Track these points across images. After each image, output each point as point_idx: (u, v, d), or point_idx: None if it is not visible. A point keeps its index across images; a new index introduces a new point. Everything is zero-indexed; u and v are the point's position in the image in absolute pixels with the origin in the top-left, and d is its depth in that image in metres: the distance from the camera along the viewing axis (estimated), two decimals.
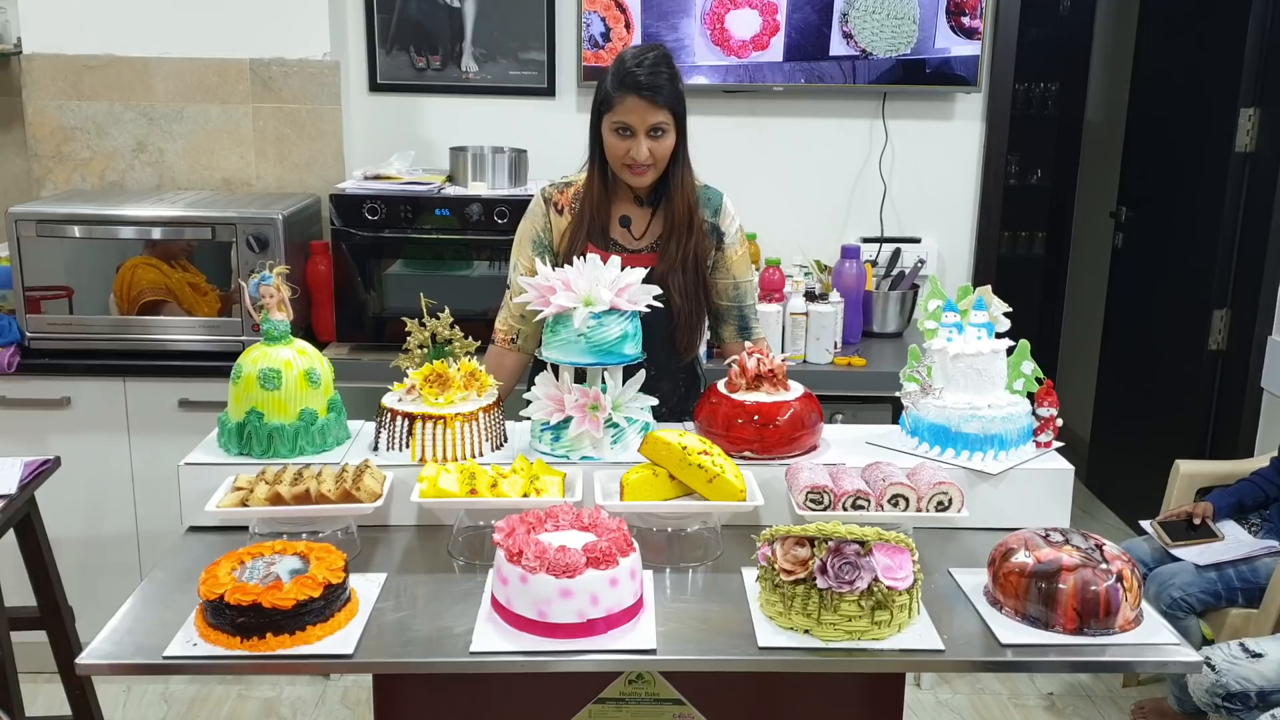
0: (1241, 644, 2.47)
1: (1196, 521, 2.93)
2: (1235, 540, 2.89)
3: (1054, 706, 3.16)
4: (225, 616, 1.58)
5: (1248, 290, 3.66)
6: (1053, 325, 5.59)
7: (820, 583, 1.60)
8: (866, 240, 3.63)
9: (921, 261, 3.53)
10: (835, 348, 3.19)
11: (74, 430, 3.06)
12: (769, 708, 1.93)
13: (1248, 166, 3.69)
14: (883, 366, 3.17)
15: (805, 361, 3.16)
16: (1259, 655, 2.43)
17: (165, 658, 1.57)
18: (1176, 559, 2.87)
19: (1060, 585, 1.66)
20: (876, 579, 1.60)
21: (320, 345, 3.19)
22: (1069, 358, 5.46)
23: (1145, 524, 3.03)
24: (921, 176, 3.66)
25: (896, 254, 3.59)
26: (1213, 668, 2.45)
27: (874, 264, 3.56)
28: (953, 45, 3.47)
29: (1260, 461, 3.11)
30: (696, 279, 2.38)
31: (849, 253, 3.40)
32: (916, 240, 3.66)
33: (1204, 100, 3.91)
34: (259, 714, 3.06)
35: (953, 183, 3.68)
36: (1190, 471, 3.15)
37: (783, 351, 3.16)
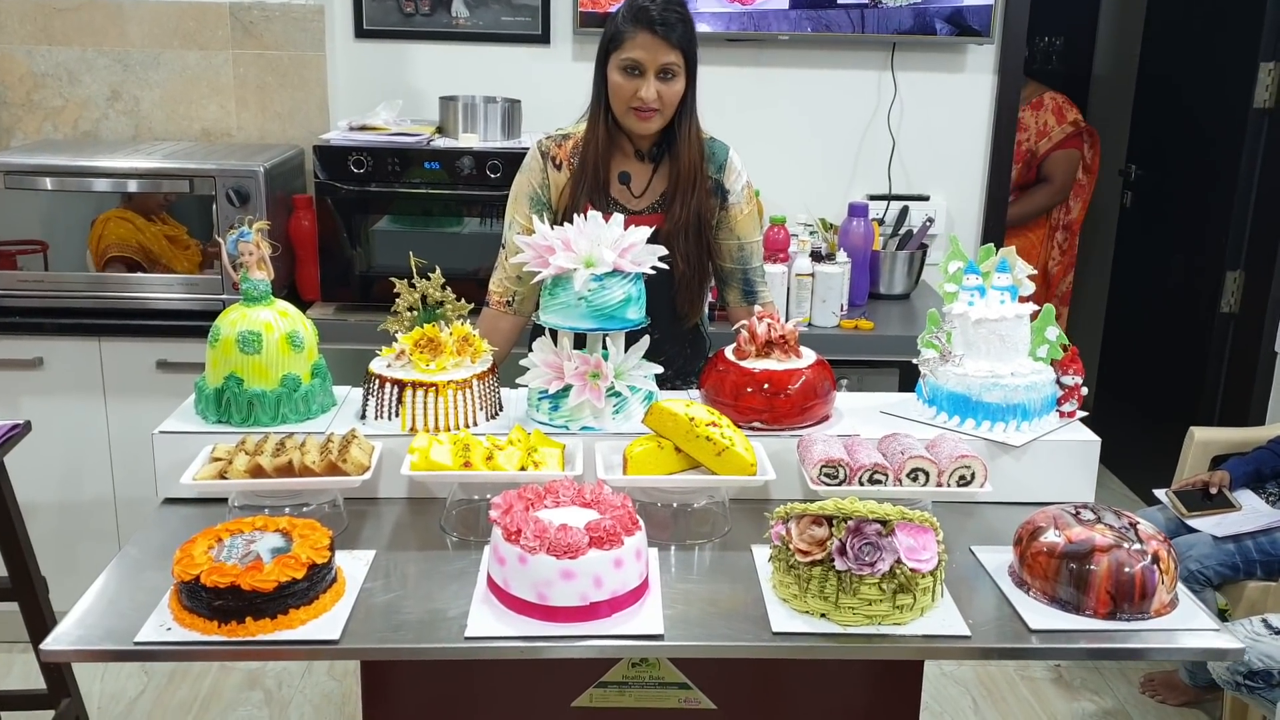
0: (1264, 620, 2.39)
1: (1213, 491, 2.84)
2: (1252, 510, 2.80)
3: (1061, 679, 3.08)
4: (201, 599, 1.48)
5: (1263, 251, 3.56)
6: None
7: (839, 564, 1.50)
8: (874, 198, 3.50)
9: (930, 220, 3.41)
10: (841, 310, 3.08)
11: (47, 392, 2.94)
12: (778, 691, 1.84)
13: (1266, 123, 3.57)
14: (890, 330, 3.06)
15: (810, 324, 3.04)
16: None
17: (137, 644, 1.47)
18: (1192, 530, 2.78)
19: (1092, 567, 1.56)
20: (899, 561, 1.50)
21: (304, 305, 3.08)
22: (1075, 320, 5.34)
23: (1160, 493, 2.93)
24: (931, 132, 3.52)
25: (904, 212, 3.47)
26: None
27: (881, 222, 3.44)
28: None
29: (1277, 428, 3.02)
30: (700, 241, 2.26)
31: (856, 211, 3.28)
32: (925, 198, 3.53)
33: (1220, 54, 3.78)
34: (242, 687, 2.97)
35: (963, 138, 3.55)
36: (1205, 439, 3.06)
37: (787, 314, 3.04)
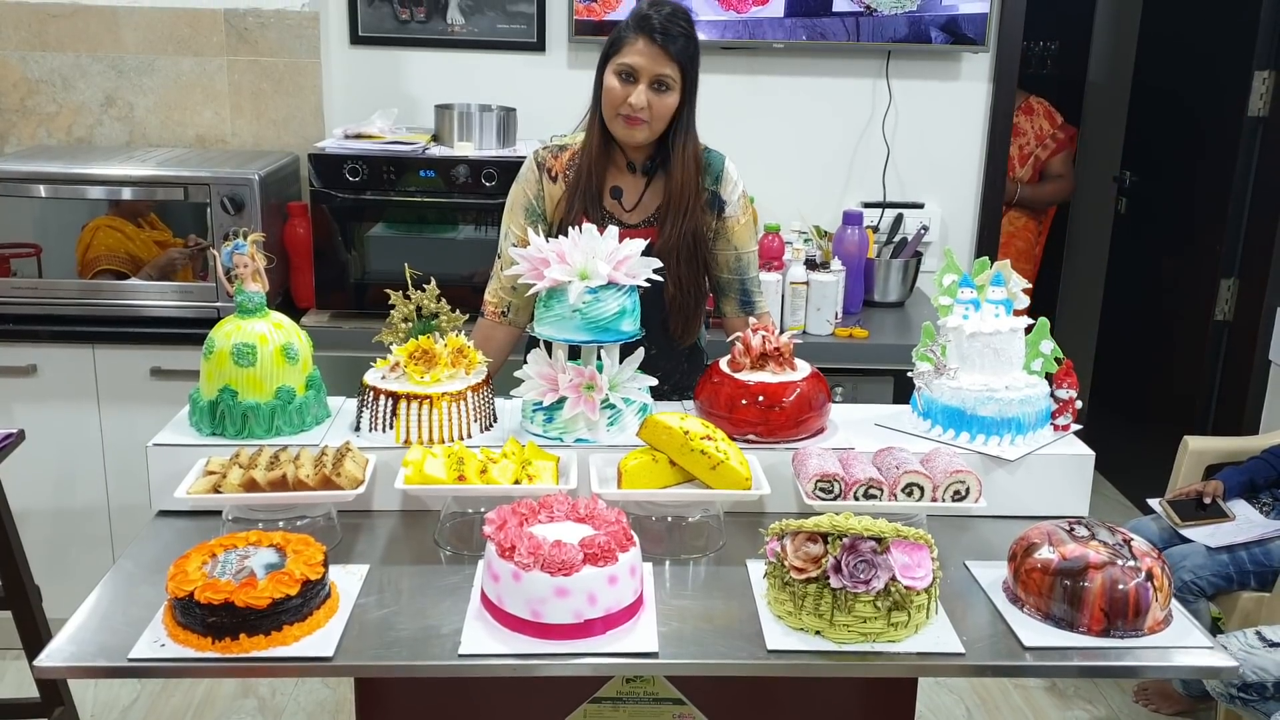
0: (1258, 632, 2.39)
1: (1207, 501, 2.84)
2: (1246, 520, 2.80)
3: (1055, 688, 3.08)
4: (195, 615, 1.47)
5: (1257, 259, 3.56)
6: (1051, 294, 5.47)
7: (834, 582, 1.50)
8: (868, 205, 3.51)
9: (924, 228, 3.41)
10: (836, 318, 3.08)
11: (40, 399, 2.93)
12: (773, 707, 1.84)
13: (1260, 131, 3.57)
14: (884, 338, 3.06)
15: (805, 333, 3.04)
16: (1277, 644, 2.34)
17: (131, 660, 1.47)
18: (1186, 540, 2.78)
19: (1086, 584, 1.56)
20: (894, 578, 1.50)
21: (298, 312, 3.08)
22: (1067, 328, 5.34)
23: (1153, 502, 2.94)
24: (926, 139, 3.52)
25: (899, 220, 3.47)
26: None
27: (875, 230, 3.44)
28: (960, 2, 3.32)
29: (1271, 438, 3.02)
30: (694, 265, 2.23)
31: (851, 219, 3.28)
32: (919, 206, 3.53)
33: (1215, 62, 3.78)
34: (236, 695, 2.96)
35: (958, 146, 3.55)
36: (1199, 448, 3.06)
37: (781, 322, 3.04)
